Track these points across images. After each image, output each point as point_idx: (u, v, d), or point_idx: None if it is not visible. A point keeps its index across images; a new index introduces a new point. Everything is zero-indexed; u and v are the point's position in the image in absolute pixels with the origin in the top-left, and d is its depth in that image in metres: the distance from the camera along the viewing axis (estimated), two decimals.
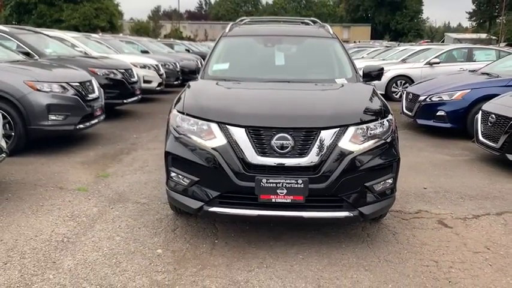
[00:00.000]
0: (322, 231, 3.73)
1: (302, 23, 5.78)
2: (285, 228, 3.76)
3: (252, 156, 3.16)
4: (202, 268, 3.15)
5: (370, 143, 3.30)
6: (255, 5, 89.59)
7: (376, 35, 70.46)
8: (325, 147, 3.18)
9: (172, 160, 3.43)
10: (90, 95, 6.49)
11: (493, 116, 5.71)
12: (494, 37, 56.75)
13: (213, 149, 3.23)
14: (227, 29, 5.04)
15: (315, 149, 3.17)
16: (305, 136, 3.20)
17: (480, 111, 6.18)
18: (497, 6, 72.56)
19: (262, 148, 3.18)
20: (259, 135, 3.20)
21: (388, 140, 3.42)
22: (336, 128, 3.24)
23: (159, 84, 11.32)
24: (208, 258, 3.30)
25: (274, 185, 3.12)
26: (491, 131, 5.76)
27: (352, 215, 3.25)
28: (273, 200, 3.15)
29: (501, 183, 5.20)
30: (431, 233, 3.79)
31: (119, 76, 8.50)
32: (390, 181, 3.42)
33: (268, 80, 4.20)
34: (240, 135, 3.21)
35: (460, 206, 4.44)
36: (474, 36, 63.66)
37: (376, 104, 3.65)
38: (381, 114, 3.51)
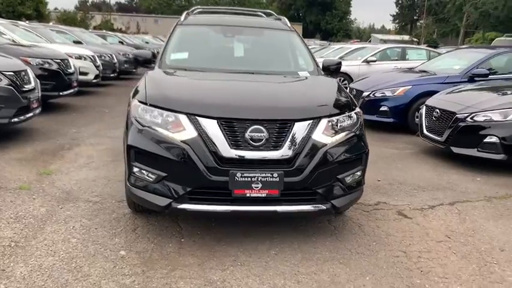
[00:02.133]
0: (290, 225, 3.67)
1: (256, 15, 5.68)
2: (252, 223, 3.65)
3: (225, 149, 3.01)
4: (173, 269, 2.95)
5: (341, 136, 3.27)
6: None
7: (307, 34, 72.23)
8: (299, 140, 3.11)
9: (135, 154, 3.18)
10: (26, 86, 5.94)
11: (438, 110, 5.98)
12: (415, 39, 60.28)
13: (183, 142, 3.04)
14: (182, 18, 4.81)
15: (289, 142, 3.08)
16: (279, 128, 3.10)
17: (424, 106, 6.44)
18: (417, 11, 77.38)
19: (235, 141, 3.04)
20: (232, 128, 3.05)
21: (357, 132, 3.42)
22: (309, 120, 3.18)
23: (96, 77, 10.72)
24: (177, 258, 3.10)
25: (249, 179, 2.99)
26: (435, 125, 6.03)
27: (325, 208, 3.21)
28: (248, 195, 3.02)
29: (447, 174, 5.44)
30: (394, 224, 3.86)
31: (55, 67, 7.89)
32: (359, 173, 3.43)
33: (230, 71, 4.04)
34: (211, 127, 3.04)
35: (415, 197, 4.58)
36: (398, 37, 67.14)
37: (344, 97, 3.64)
38: (349, 106, 3.50)
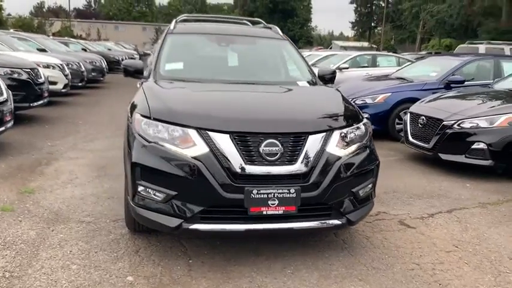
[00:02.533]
0: (297, 241, 3.55)
1: (243, 23, 5.55)
2: (260, 240, 3.51)
3: (239, 165, 2.87)
4: None
5: (353, 148, 3.20)
6: (149, 5, 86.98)
7: None
8: (314, 153, 3.01)
9: (141, 172, 2.97)
10: None
11: (423, 118, 6.04)
12: (374, 46, 61.90)
13: (194, 158, 2.87)
14: (172, 26, 4.62)
15: (303, 155, 2.98)
16: (294, 142, 2.99)
17: (408, 113, 6.50)
18: (375, 18, 79.61)
19: (249, 156, 2.90)
20: (246, 142, 2.91)
21: (368, 143, 3.36)
22: (323, 133, 3.09)
23: (65, 86, 10.27)
24: (189, 282, 2.92)
25: (266, 195, 2.86)
26: (421, 132, 6.09)
27: (340, 223, 3.12)
28: (264, 213, 2.89)
29: (438, 181, 5.49)
30: (400, 235, 3.82)
31: (24, 76, 7.47)
32: (371, 186, 3.36)
33: (229, 82, 3.91)
34: (224, 142, 2.89)
35: (413, 206, 4.57)
36: (357, 44, 68.74)
37: (351, 108, 3.58)
38: (357, 117, 3.44)
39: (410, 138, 6.32)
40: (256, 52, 4.62)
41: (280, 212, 2.90)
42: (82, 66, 12.42)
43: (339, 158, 3.07)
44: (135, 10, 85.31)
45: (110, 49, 29.29)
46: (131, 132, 3.19)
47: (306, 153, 2.98)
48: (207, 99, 3.38)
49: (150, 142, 2.99)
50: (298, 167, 2.95)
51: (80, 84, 12.16)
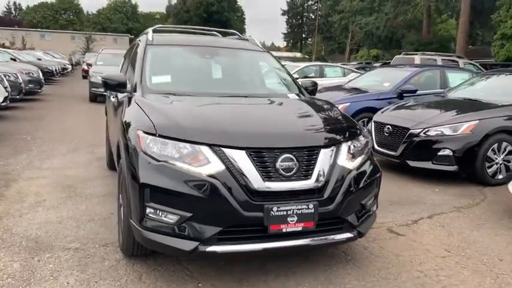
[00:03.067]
0: (302, 256, 3.51)
1: (215, 35, 5.46)
2: (262, 258, 3.41)
3: (258, 182, 2.78)
4: None
5: (359, 160, 3.23)
6: (77, 13, 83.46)
7: None
8: (327, 167, 3.00)
9: (151, 194, 2.79)
10: None
11: (389, 126, 6.27)
12: (307, 56, 63.79)
13: (210, 176, 2.75)
14: (150, 37, 4.42)
15: (317, 170, 2.95)
16: (308, 156, 2.96)
17: (373, 123, 6.71)
18: (305, 29, 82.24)
19: (266, 172, 2.83)
20: (262, 158, 2.84)
21: (370, 155, 3.41)
22: (333, 146, 3.09)
23: (5, 99, 9.51)
24: None
25: (285, 212, 2.80)
26: (388, 141, 6.31)
27: (352, 235, 3.13)
28: (284, 230, 2.82)
29: (408, 187, 5.71)
30: (394, 243, 3.90)
31: None
32: (374, 196, 3.41)
33: (224, 95, 3.81)
34: (240, 158, 2.80)
35: (395, 213, 4.70)
36: (290, 54, 70.46)
37: (351, 120, 3.62)
38: (358, 129, 3.48)
39: (376, 146, 6.51)
40: (240, 64, 4.55)
41: (300, 228, 2.85)
42: (19, 78, 11.60)
43: (350, 170, 3.08)
44: (62, 18, 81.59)
45: (39, 59, 27.68)
46: (132, 151, 2.99)
47: (319, 168, 2.96)
48: (213, 114, 3.25)
49: (159, 161, 2.82)
50: (313, 181, 2.92)
51: (17, 96, 11.32)
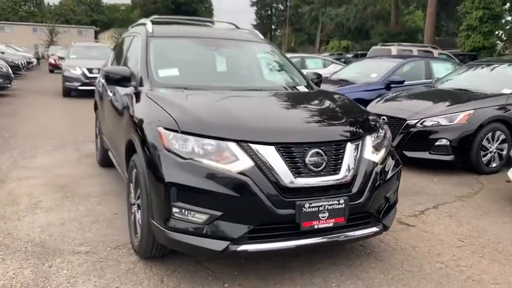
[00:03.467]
0: (321, 251, 3.43)
1: (208, 25, 5.31)
2: (283, 255, 3.32)
3: (288, 178, 2.69)
4: None
5: (383, 153, 3.18)
6: (38, 4, 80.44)
7: None
8: (354, 161, 2.93)
9: (177, 193, 2.66)
10: None
11: (385, 117, 6.26)
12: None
13: (240, 173, 2.64)
14: (149, 29, 4.21)
15: (346, 164, 2.89)
16: (336, 150, 2.89)
17: None
18: (274, 21, 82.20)
19: (296, 168, 2.74)
20: (291, 153, 2.75)
21: (391, 148, 3.37)
22: (358, 139, 3.03)
23: None
24: None
25: (317, 209, 2.73)
26: None
27: (378, 229, 3.09)
28: (316, 227, 2.74)
29: (407, 177, 5.68)
30: (408, 235, 3.90)
31: None
32: (396, 189, 3.37)
33: (236, 89, 3.69)
34: (270, 154, 2.70)
35: (401, 204, 4.61)
36: None
37: (368, 112, 3.57)
38: (378, 121, 3.43)
39: None
40: (246, 57, 4.43)
41: (331, 224, 2.78)
42: None
43: (376, 164, 3.03)
44: (23, 9, 78.56)
45: (3, 52, 26.51)
46: (152, 149, 2.84)
47: (347, 162, 2.89)
48: (235, 109, 3.12)
49: (185, 158, 2.69)
50: (342, 176, 2.85)
51: None
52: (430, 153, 5.80)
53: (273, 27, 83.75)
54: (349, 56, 29.57)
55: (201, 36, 4.40)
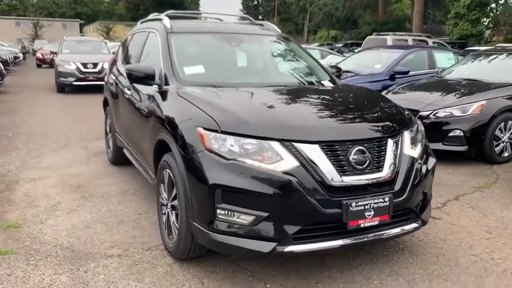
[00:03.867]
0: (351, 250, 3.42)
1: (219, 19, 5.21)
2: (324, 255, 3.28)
3: (334, 177, 2.65)
4: None
5: (419, 148, 3.16)
6: None
7: None
8: (396, 157, 2.90)
9: (222, 194, 2.60)
10: None
11: None
12: None
13: (285, 173, 2.59)
14: (168, 24, 4.12)
15: (388, 161, 2.86)
16: (378, 147, 2.86)
17: None
18: (261, 10, 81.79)
19: (341, 166, 2.70)
20: (335, 152, 2.71)
21: (426, 142, 3.34)
22: (398, 135, 3.00)
23: None
24: None
25: (363, 207, 2.69)
26: None
27: (417, 225, 3.07)
28: (362, 225, 2.71)
29: None
30: (436, 228, 3.89)
31: None
32: (431, 183, 3.36)
33: (263, 85, 3.62)
34: (314, 153, 2.65)
35: None
36: None
37: (401, 106, 3.53)
38: (411, 116, 3.41)
39: None
40: (268, 52, 4.36)
41: (376, 222, 2.75)
42: None
43: (415, 159, 3.01)
44: (4, 3, 76.92)
45: None
46: (191, 150, 2.77)
47: (389, 158, 2.86)
48: (272, 106, 3.06)
49: (228, 159, 2.63)
50: (385, 173, 2.82)
51: None
52: (443, 144, 5.81)
53: (260, 17, 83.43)
54: (340, 45, 29.52)
55: (221, 31, 4.31)
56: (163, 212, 3.35)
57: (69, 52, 14.27)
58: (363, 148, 2.76)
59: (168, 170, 3.13)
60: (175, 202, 3.05)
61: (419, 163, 3.03)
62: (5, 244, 3.39)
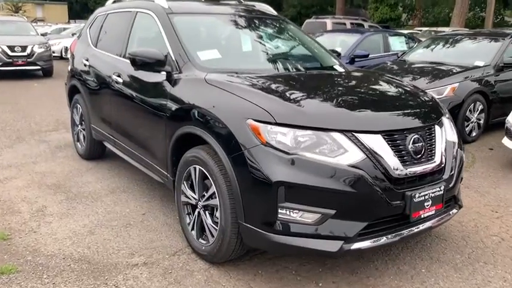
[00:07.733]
0: None
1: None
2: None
3: (398, 168, 2.54)
4: None
5: (455, 132, 3.13)
6: None
7: (73, 15, 66.00)
8: (443, 144, 2.86)
9: (285, 192, 2.38)
10: None
11: None
12: None
13: (351, 166, 2.43)
14: (163, 4, 3.71)
15: (438, 148, 2.80)
16: (429, 135, 2.79)
17: None
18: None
19: (401, 156, 2.59)
20: (395, 141, 2.59)
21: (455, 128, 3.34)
22: (441, 121, 2.95)
23: None
24: None
25: (423, 197, 2.62)
26: None
27: (457, 210, 3.07)
28: (422, 216, 2.64)
29: None
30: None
31: None
32: None
33: (289, 71, 3.43)
34: (378, 144, 2.52)
35: None
36: None
37: (428, 92, 3.49)
38: (439, 102, 3.38)
39: None
40: (275, 35, 4.08)
41: (433, 212, 2.70)
42: None
43: (456, 144, 2.99)
44: None
45: None
46: (245, 145, 2.49)
47: (439, 146, 2.81)
48: (319, 94, 2.85)
49: (289, 154, 2.41)
50: (438, 161, 2.76)
51: None
52: None
53: None
54: None
55: (223, 12, 3.97)
56: (188, 212, 3.05)
57: None
58: (419, 136, 2.67)
59: (198, 167, 2.84)
60: (211, 201, 2.77)
61: (459, 149, 3.01)
62: (1, 261, 2.89)
